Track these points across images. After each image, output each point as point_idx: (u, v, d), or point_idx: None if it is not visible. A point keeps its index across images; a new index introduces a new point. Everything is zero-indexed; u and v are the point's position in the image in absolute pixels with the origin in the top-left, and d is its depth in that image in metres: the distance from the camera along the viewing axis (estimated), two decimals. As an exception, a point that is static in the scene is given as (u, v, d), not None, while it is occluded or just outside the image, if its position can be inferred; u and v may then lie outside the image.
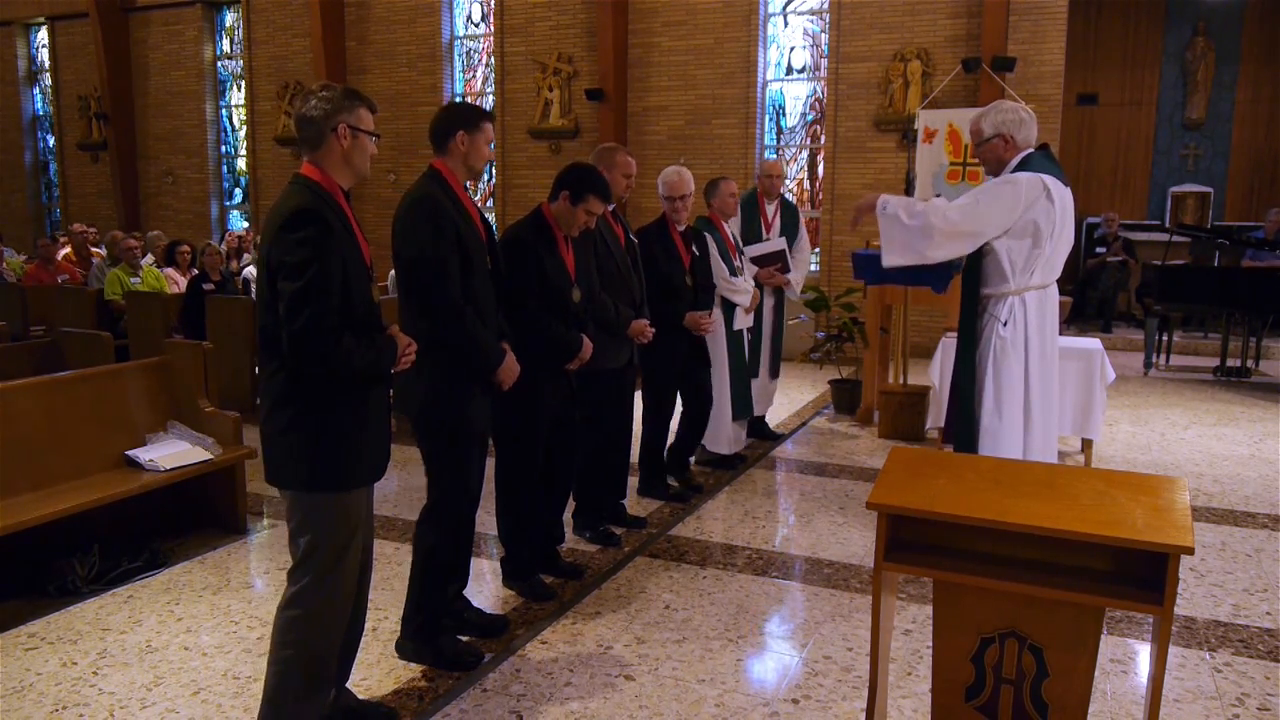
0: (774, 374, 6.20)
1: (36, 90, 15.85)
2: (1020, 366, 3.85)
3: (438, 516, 3.18)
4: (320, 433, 2.51)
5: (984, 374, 3.88)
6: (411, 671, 3.19)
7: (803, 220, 6.33)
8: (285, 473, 2.56)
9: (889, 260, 3.92)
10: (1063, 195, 3.74)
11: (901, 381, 6.55)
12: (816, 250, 10.77)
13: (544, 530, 3.94)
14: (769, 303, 6.01)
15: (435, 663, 3.20)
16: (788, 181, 11.05)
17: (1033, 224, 3.67)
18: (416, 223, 3.01)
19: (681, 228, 4.87)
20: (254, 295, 2.58)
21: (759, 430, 6.30)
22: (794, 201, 6.43)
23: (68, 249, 10.65)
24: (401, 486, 5.28)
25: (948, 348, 5.81)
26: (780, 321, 6.21)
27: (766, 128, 10.88)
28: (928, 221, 3.74)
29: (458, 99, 12.37)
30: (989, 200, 3.71)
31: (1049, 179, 3.70)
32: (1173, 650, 3.26)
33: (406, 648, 3.26)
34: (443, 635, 3.25)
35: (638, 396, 4.76)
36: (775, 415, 7.07)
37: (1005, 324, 3.81)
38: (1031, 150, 3.81)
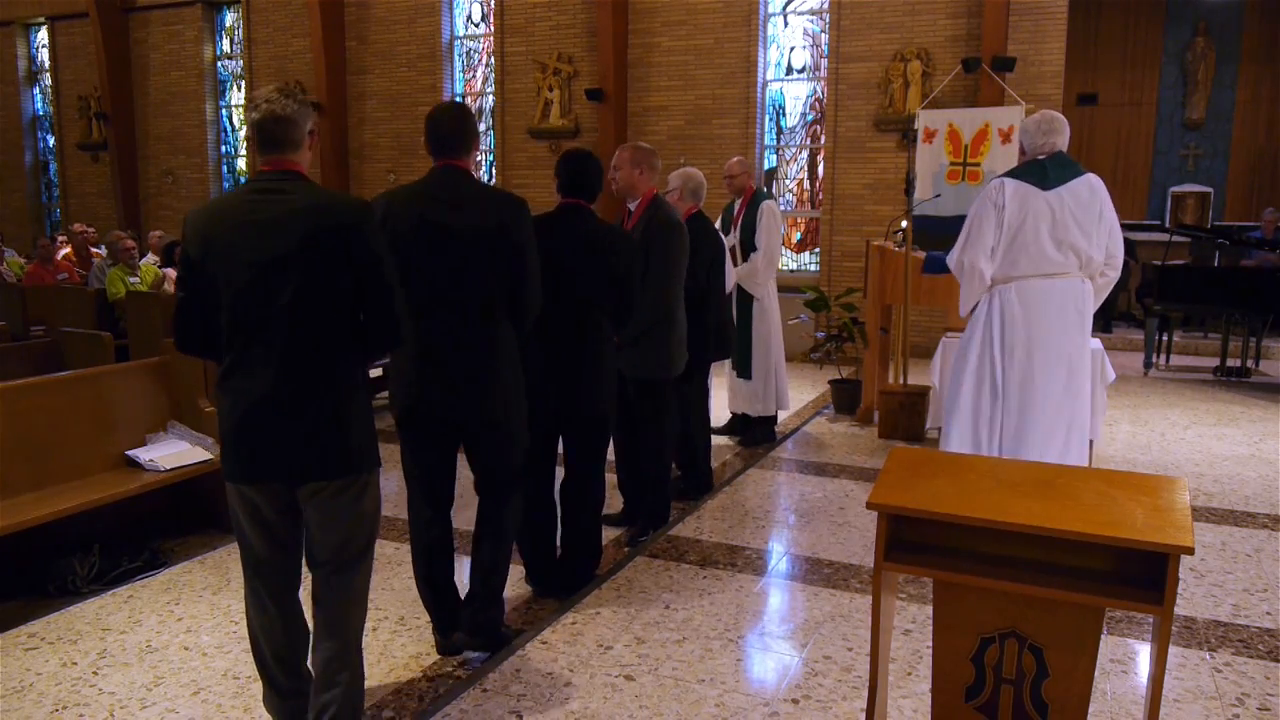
0: (743, 374, 6.15)
1: (36, 90, 15.85)
2: (969, 361, 4.22)
3: (515, 507, 3.35)
4: (370, 411, 2.66)
5: (966, 354, 4.31)
6: (411, 672, 3.19)
7: (764, 212, 5.98)
8: (365, 458, 2.60)
9: (963, 310, 4.39)
10: (1027, 196, 4.04)
11: (901, 381, 6.55)
12: (816, 250, 10.78)
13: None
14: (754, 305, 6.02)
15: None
16: (788, 181, 11.06)
17: (996, 220, 4.10)
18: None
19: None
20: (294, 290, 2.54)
21: (740, 428, 6.33)
22: (766, 194, 6.11)
23: (67, 249, 10.64)
24: (401, 486, 5.27)
25: (948, 347, 5.82)
26: (747, 319, 6.07)
27: (766, 128, 10.88)
28: (956, 271, 4.28)
29: (458, 99, 12.38)
30: (972, 225, 4.17)
31: (1010, 181, 4.08)
32: (1173, 650, 3.26)
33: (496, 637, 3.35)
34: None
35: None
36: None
37: (977, 315, 4.25)
38: (1041, 155, 4.13)
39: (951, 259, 4.24)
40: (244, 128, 13.90)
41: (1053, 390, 4.13)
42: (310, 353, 2.49)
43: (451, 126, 3.10)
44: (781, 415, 7.09)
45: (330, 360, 2.52)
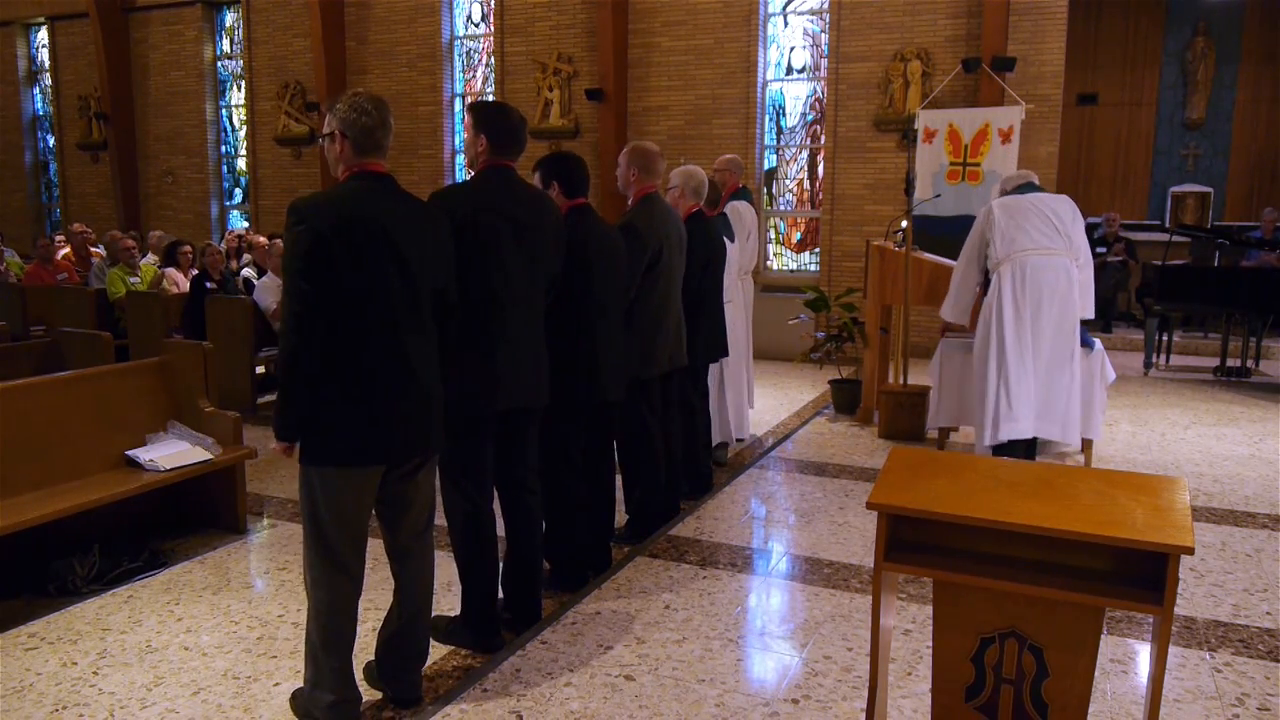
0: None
1: (36, 90, 15.84)
2: (989, 341, 5.04)
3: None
4: None
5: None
6: (411, 671, 3.19)
7: (732, 211, 5.92)
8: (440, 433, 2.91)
9: (945, 312, 5.61)
10: (1011, 202, 5.13)
11: (901, 381, 6.55)
12: (816, 250, 10.78)
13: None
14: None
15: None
16: (788, 181, 11.06)
17: (987, 236, 5.16)
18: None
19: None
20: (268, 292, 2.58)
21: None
22: (744, 194, 6.08)
23: (67, 249, 10.63)
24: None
25: (947, 348, 5.83)
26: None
27: (766, 128, 10.87)
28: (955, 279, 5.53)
29: (458, 99, 12.39)
30: (969, 247, 5.31)
31: (997, 201, 5.21)
32: (1173, 650, 3.26)
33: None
34: None
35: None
36: (776, 415, 7.10)
37: (989, 291, 5.14)
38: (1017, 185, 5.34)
39: (955, 273, 5.47)
40: (244, 127, 13.88)
41: (1059, 349, 4.97)
42: (433, 337, 2.80)
43: (522, 130, 3.30)
44: (782, 415, 7.10)
45: (437, 343, 2.83)
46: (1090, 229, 11.11)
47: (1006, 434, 4.93)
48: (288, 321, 2.53)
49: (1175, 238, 9.43)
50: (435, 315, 2.81)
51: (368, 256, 2.57)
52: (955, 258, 5.54)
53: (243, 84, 13.75)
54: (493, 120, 3.24)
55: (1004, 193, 5.31)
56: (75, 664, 3.25)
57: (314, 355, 2.55)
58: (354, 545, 2.75)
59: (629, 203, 4.34)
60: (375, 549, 2.99)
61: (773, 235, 11.09)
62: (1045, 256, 4.95)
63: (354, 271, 2.55)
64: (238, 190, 14.39)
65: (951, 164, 9.26)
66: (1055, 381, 4.98)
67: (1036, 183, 5.33)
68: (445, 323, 2.87)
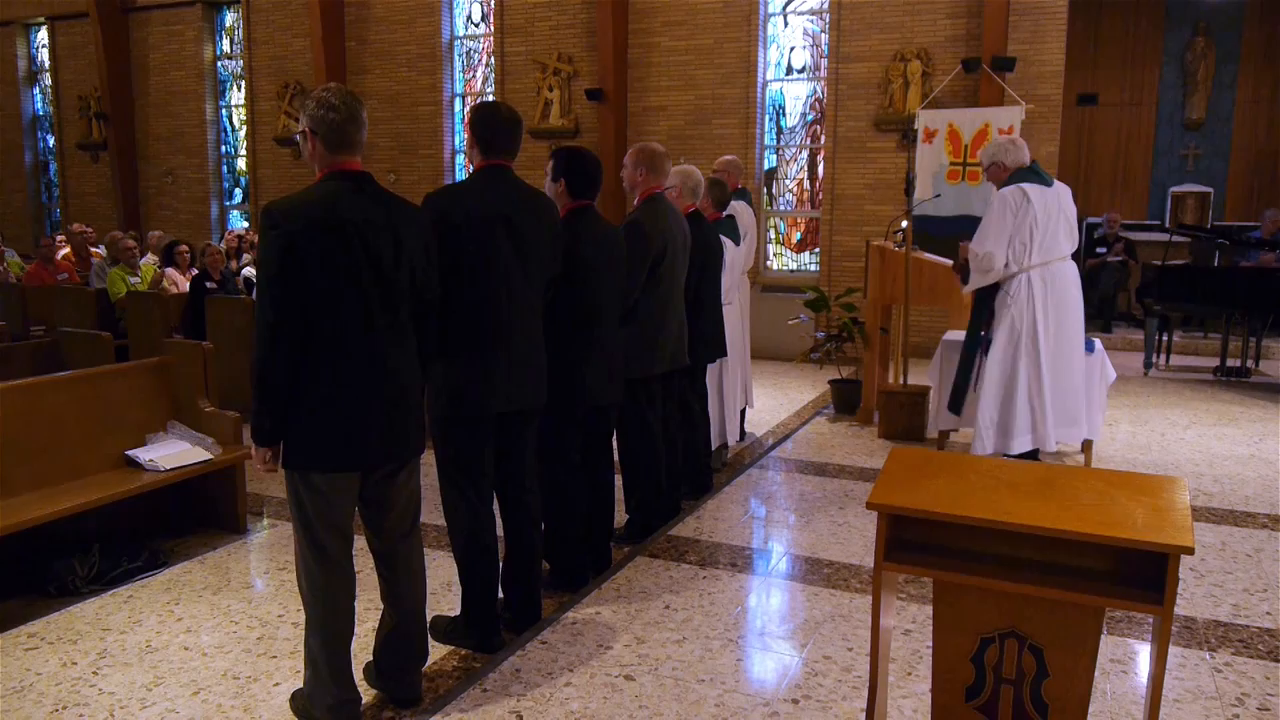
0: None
1: (36, 90, 15.84)
2: (999, 347, 5.00)
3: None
4: None
5: (996, 332, 5.07)
6: (411, 671, 3.19)
7: (737, 211, 5.94)
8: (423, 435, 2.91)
9: (968, 288, 5.29)
10: (1043, 195, 4.91)
11: (901, 381, 6.55)
12: (816, 250, 10.78)
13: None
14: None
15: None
16: (787, 182, 11.06)
17: (1024, 222, 4.88)
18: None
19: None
20: (255, 292, 2.58)
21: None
22: (741, 194, 6.07)
23: (66, 249, 10.64)
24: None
25: (947, 348, 5.82)
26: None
27: (766, 128, 10.87)
28: (975, 261, 5.11)
29: (459, 99, 12.39)
30: (987, 221, 4.99)
31: (1027, 185, 4.91)
32: (1173, 650, 3.26)
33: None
34: None
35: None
36: (776, 415, 7.10)
37: (1011, 295, 4.99)
38: (1022, 166, 5.01)
39: (973, 250, 5.04)
40: (244, 127, 13.88)
41: (1076, 356, 5.00)
42: (411, 339, 2.77)
43: (517, 129, 3.30)
44: (781, 415, 7.10)
45: (415, 345, 2.80)
46: (1090, 229, 11.14)
47: (1041, 443, 4.96)
48: (262, 325, 2.52)
49: (1175, 238, 9.43)
50: (414, 316, 2.78)
51: (341, 259, 2.55)
52: (955, 258, 5.43)
53: (243, 84, 13.75)
54: (479, 121, 3.25)
55: (1004, 167, 5.00)
56: (75, 664, 3.25)
57: (289, 359, 2.54)
58: (345, 544, 2.76)
59: (634, 202, 4.35)
60: (366, 547, 2.99)
61: (773, 235, 11.09)
62: (1064, 263, 5.01)
63: (328, 274, 2.53)
64: (238, 190, 14.39)
65: (951, 164, 9.26)
66: (1075, 387, 5.04)
67: (1036, 166, 5.07)
68: (425, 323, 2.83)
